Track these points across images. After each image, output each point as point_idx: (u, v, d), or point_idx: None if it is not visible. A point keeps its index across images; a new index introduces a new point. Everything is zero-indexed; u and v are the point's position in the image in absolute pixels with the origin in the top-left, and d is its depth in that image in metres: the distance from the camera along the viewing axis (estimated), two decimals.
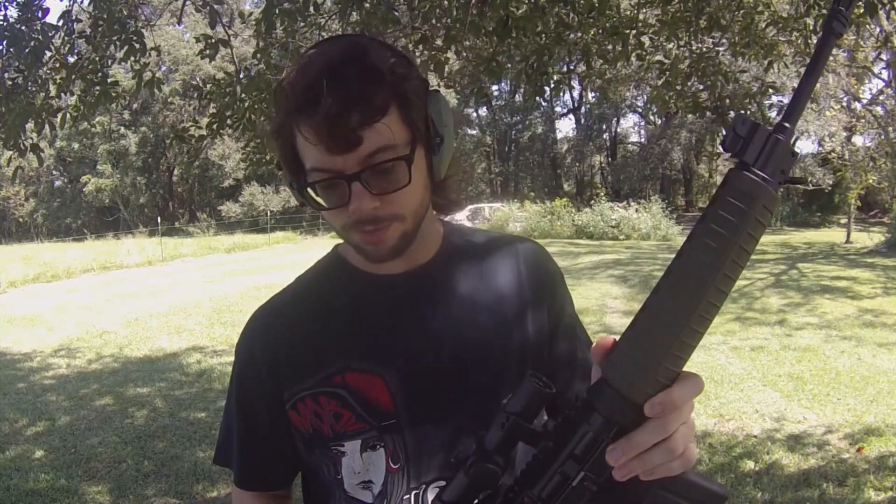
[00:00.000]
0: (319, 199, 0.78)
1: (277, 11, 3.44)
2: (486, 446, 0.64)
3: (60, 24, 3.55)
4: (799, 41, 4.58)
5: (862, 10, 3.52)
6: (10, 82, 3.44)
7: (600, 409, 0.59)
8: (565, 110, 33.92)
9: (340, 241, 0.90)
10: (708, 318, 0.56)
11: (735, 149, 0.54)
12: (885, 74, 15.42)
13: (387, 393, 0.84)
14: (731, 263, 0.55)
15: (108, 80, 3.74)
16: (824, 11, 3.75)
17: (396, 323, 0.86)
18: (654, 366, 0.57)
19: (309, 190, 0.78)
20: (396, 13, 3.66)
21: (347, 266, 0.90)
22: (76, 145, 31.19)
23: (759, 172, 0.54)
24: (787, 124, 0.55)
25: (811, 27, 4.14)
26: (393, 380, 0.84)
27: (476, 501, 0.66)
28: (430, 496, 0.84)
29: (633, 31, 3.96)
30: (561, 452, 0.62)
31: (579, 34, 3.84)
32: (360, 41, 0.79)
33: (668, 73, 4.04)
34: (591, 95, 27.93)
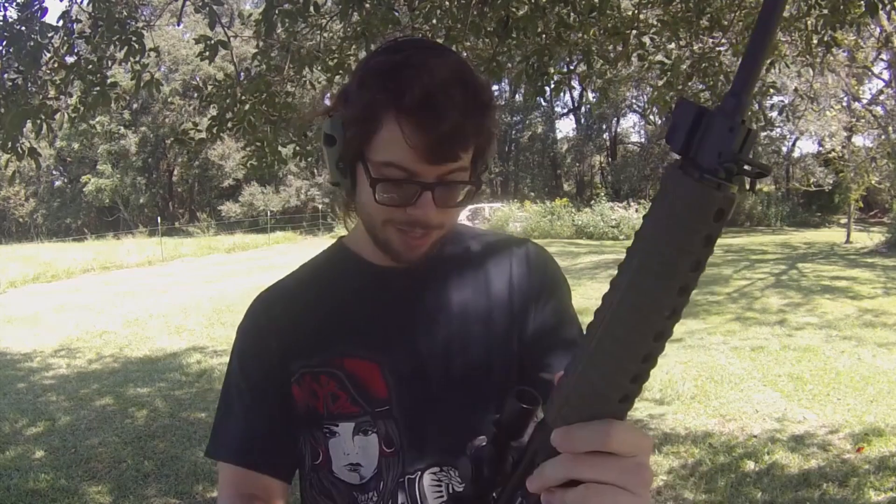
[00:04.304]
0: (377, 193, 0.79)
1: (278, 12, 3.44)
2: (482, 461, 0.64)
3: (60, 24, 3.55)
4: (800, 41, 4.58)
5: (862, 10, 3.52)
6: (9, 83, 3.43)
7: (536, 435, 0.57)
8: (565, 110, 33.95)
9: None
10: (636, 358, 0.47)
11: (672, 140, 0.41)
12: (885, 74, 15.42)
13: (381, 380, 0.87)
14: (672, 297, 0.43)
15: (108, 81, 3.74)
16: (825, 11, 3.75)
17: (396, 314, 0.90)
18: (573, 399, 0.50)
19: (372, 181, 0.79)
20: (397, 13, 3.66)
21: (352, 256, 0.93)
22: (76, 145, 31.19)
23: (706, 173, 0.41)
24: (742, 97, 0.41)
25: (812, 27, 4.14)
26: (389, 368, 0.87)
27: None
28: (427, 480, 0.88)
29: (634, 32, 3.96)
30: (513, 475, 0.61)
31: (580, 34, 3.84)
32: (462, 60, 0.83)
33: (669, 73, 4.03)
34: (591, 95, 27.93)
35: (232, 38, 4.05)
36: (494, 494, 0.65)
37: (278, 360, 0.88)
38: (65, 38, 3.60)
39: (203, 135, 4.18)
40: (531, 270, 0.94)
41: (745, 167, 0.40)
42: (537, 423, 0.58)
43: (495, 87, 31.20)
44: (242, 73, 4.23)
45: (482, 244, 0.97)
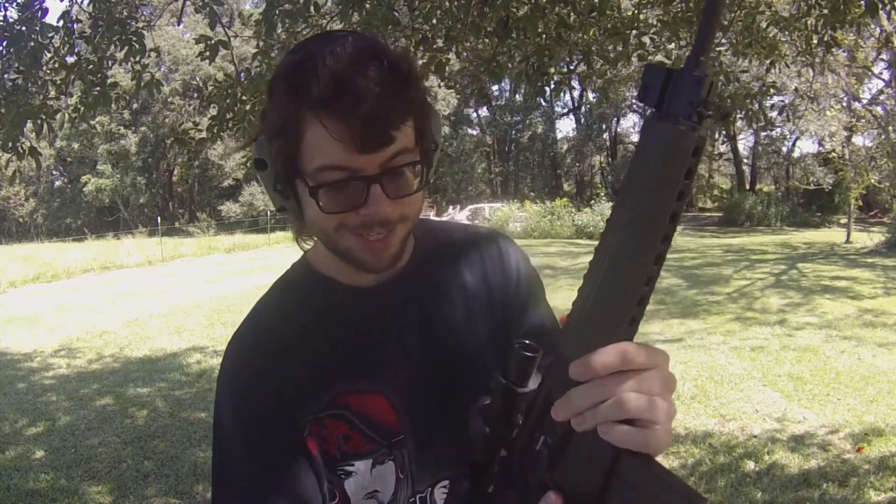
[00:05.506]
0: (321, 202, 0.73)
1: (278, 12, 3.44)
2: (490, 416, 0.67)
3: (60, 24, 3.55)
4: (800, 41, 4.58)
5: (862, 10, 3.53)
6: (10, 83, 3.43)
7: (550, 373, 0.61)
8: (565, 110, 33.98)
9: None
10: (635, 278, 0.53)
11: (645, 98, 0.50)
12: (885, 74, 15.43)
13: (391, 410, 0.83)
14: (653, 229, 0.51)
15: (108, 81, 3.74)
16: (825, 11, 3.75)
17: (383, 336, 0.84)
18: (588, 329, 0.55)
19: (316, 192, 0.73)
20: (397, 13, 3.66)
21: (320, 278, 0.86)
22: (76, 145, 31.20)
23: (682, 118, 0.49)
24: (701, 58, 0.49)
25: (812, 27, 4.14)
26: (393, 395, 0.83)
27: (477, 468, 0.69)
28: (438, 496, 0.86)
29: (634, 32, 3.96)
30: (529, 417, 0.63)
31: (580, 34, 3.84)
32: (373, 39, 0.76)
33: None
34: (591, 95, 27.92)
35: (232, 38, 4.05)
36: (504, 450, 0.66)
37: (282, 419, 0.79)
38: (65, 38, 3.60)
39: (203, 134, 4.18)
40: (507, 269, 0.91)
41: (712, 111, 0.49)
42: (546, 364, 0.61)
43: (495, 87, 31.25)
44: (243, 74, 4.23)
45: (451, 243, 0.92)
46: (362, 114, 0.68)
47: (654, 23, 4.14)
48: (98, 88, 3.66)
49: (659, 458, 0.58)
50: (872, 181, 15.55)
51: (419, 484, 0.85)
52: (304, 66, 0.70)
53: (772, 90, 5.21)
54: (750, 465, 3.76)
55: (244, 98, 3.93)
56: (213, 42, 3.74)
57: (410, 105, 0.73)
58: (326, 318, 0.84)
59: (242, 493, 0.78)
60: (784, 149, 28.62)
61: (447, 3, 3.61)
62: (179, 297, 10.85)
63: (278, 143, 0.73)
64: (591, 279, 0.55)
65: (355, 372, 0.82)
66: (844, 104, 16.19)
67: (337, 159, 0.70)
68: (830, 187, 20.85)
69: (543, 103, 30.11)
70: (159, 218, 25.83)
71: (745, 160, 30.34)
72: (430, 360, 0.85)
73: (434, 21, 3.75)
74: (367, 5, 3.37)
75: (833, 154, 16.52)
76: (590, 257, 0.55)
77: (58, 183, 36.44)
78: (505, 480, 0.66)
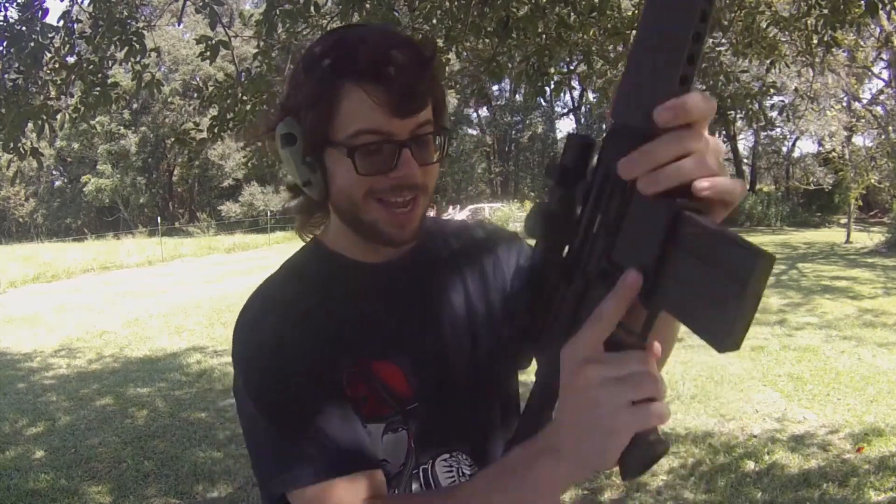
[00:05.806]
0: (356, 160, 0.77)
1: (278, 13, 3.45)
2: (548, 215, 0.65)
3: (60, 24, 3.55)
4: (800, 41, 4.58)
5: (862, 10, 3.53)
6: (10, 83, 3.43)
7: (608, 144, 0.58)
8: (565, 110, 33.96)
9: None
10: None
11: None
12: (885, 74, 15.43)
13: (405, 380, 0.87)
14: None
15: (109, 81, 3.74)
16: (825, 11, 3.76)
17: (396, 310, 0.89)
18: (640, 89, 0.54)
19: (351, 154, 0.78)
20: (397, 13, 3.67)
21: (327, 252, 0.91)
22: (76, 145, 31.19)
23: None
24: None
25: (812, 27, 4.14)
26: (408, 367, 0.87)
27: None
28: (439, 468, 0.89)
29: (634, 32, 3.96)
30: (587, 202, 0.61)
31: (580, 34, 3.84)
32: (393, 28, 0.86)
33: None
34: (591, 95, 27.91)
35: (232, 39, 4.05)
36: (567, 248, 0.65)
37: (291, 402, 0.80)
38: (65, 38, 3.60)
39: (204, 134, 4.18)
40: (498, 253, 0.98)
41: None
42: (601, 144, 0.60)
43: (495, 87, 31.24)
44: (243, 74, 4.23)
45: (446, 231, 0.99)
46: (400, 81, 0.75)
47: None
48: (98, 88, 3.66)
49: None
50: (872, 181, 15.55)
51: (421, 456, 0.88)
52: (346, 43, 0.79)
53: (772, 90, 5.21)
54: (750, 465, 3.76)
55: (244, 98, 3.93)
56: (213, 42, 3.74)
57: (435, 83, 0.81)
58: (344, 292, 0.88)
59: (288, 467, 0.78)
60: (784, 149, 28.63)
61: (447, 3, 3.62)
62: (179, 297, 10.86)
63: (313, 113, 0.78)
64: (637, 44, 0.55)
65: (373, 342, 0.87)
66: (844, 104, 16.20)
67: (374, 123, 0.76)
68: (830, 187, 20.84)
69: (543, 103, 30.10)
70: (159, 218, 25.85)
71: (745, 160, 30.32)
72: (442, 338, 0.90)
73: (434, 21, 3.76)
74: (367, 5, 3.38)
75: (833, 154, 16.53)
76: None
77: (58, 183, 36.45)
78: (566, 277, 0.64)
